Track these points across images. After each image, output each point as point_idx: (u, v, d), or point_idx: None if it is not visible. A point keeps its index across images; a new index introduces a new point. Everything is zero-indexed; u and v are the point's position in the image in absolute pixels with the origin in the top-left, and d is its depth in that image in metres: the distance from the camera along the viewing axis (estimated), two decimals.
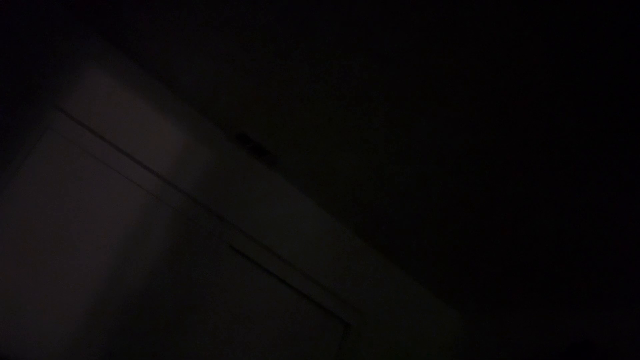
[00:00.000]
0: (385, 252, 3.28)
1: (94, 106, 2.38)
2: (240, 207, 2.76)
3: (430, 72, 1.98)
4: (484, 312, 3.49)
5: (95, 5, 2.28)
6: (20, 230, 2.11)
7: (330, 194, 2.94)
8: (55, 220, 2.19)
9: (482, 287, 3.22)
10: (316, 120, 2.45)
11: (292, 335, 2.86)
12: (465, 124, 2.14)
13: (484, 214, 2.59)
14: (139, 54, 2.46)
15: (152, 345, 2.33)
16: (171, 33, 2.27)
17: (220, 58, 2.30)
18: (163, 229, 2.48)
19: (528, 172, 2.24)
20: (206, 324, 2.55)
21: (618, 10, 1.53)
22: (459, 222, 2.73)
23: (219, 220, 2.68)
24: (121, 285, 2.30)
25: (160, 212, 2.49)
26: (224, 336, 2.60)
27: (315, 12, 1.92)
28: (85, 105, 2.35)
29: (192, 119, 2.67)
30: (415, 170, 2.50)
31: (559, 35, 1.67)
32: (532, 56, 1.77)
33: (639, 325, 2.71)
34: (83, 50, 2.39)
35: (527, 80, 1.86)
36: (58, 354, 2.09)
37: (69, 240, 2.21)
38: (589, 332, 2.87)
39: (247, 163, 2.83)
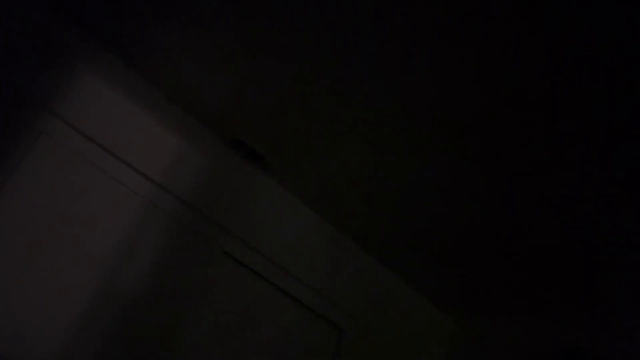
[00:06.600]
0: (380, 257, 3.28)
1: (89, 111, 2.38)
2: (235, 213, 2.76)
3: (431, 78, 1.98)
4: (478, 318, 3.49)
5: (89, 9, 2.28)
6: (14, 235, 2.10)
7: (324, 199, 2.94)
8: (49, 225, 2.19)
9: (476, 292, 3.23)
10: (311, 126, 2.45)
11: (286, 341, 2.85)
12: (462, 129, 2.15)
13: (478, 219, 2.60)
14: (134, 58, 2.46)
15: (146, 350, 2.33)
16: (167, 38, 2.27)
17: (216, 64, 2.31)
18: (157, 234, 2.48)
19: (523, 178, 2.25)
20: (199, 329, 2.55)
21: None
22: (453, 228, 2.74)
23: (213, 226, 2.68)
24: (114, 290, 2.30)
25: (155, 217, 2.49)
26: (217, 342, 2.60)
27: (314, 18, 1.92)
28: (79, 110, 2.35)
29: (187, 124, 2.67)
30: (410, 176, 2.51)
31: (557, 36, 1.68)
32: (530, 56, 1.78)
33: (633, 331, 2.72)
34: (77, 54, 2.39)
35: (530, 82, 1.87)
36: (52, 357, 2.08)
37: (63, 245, 2.21)
38: (583, 339, 2.87)
39: (241, 168, 2.83)
